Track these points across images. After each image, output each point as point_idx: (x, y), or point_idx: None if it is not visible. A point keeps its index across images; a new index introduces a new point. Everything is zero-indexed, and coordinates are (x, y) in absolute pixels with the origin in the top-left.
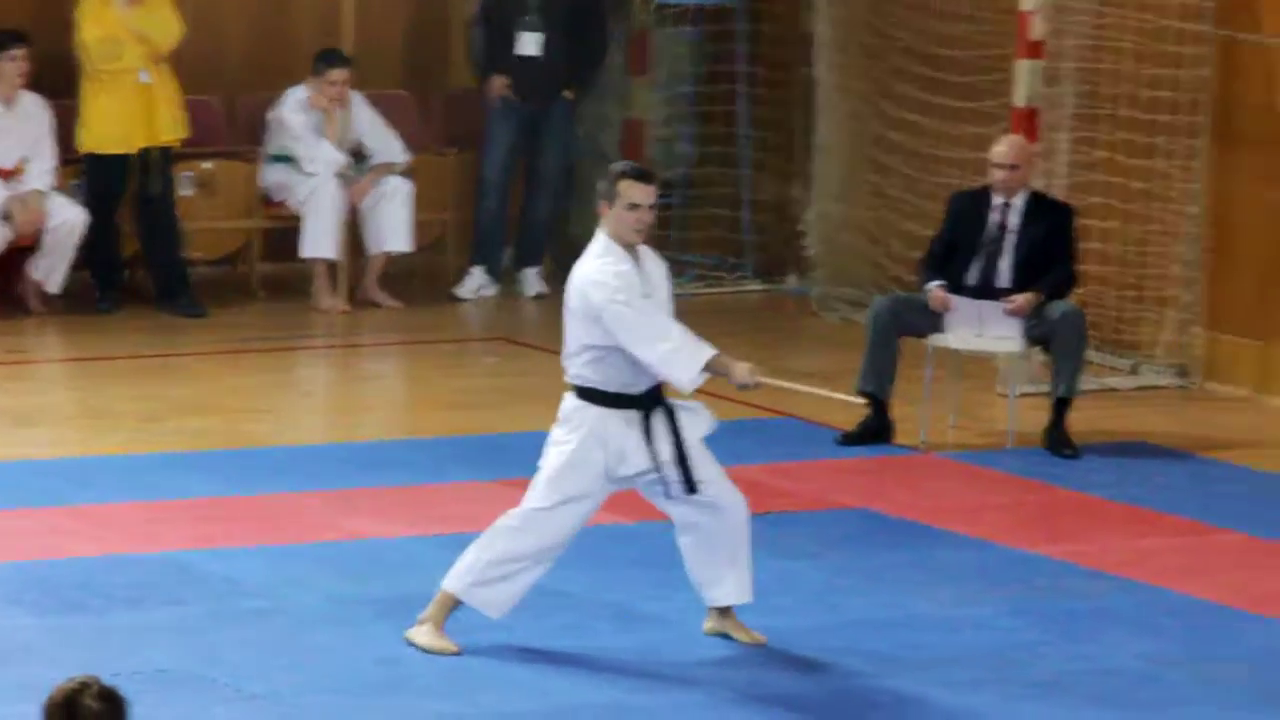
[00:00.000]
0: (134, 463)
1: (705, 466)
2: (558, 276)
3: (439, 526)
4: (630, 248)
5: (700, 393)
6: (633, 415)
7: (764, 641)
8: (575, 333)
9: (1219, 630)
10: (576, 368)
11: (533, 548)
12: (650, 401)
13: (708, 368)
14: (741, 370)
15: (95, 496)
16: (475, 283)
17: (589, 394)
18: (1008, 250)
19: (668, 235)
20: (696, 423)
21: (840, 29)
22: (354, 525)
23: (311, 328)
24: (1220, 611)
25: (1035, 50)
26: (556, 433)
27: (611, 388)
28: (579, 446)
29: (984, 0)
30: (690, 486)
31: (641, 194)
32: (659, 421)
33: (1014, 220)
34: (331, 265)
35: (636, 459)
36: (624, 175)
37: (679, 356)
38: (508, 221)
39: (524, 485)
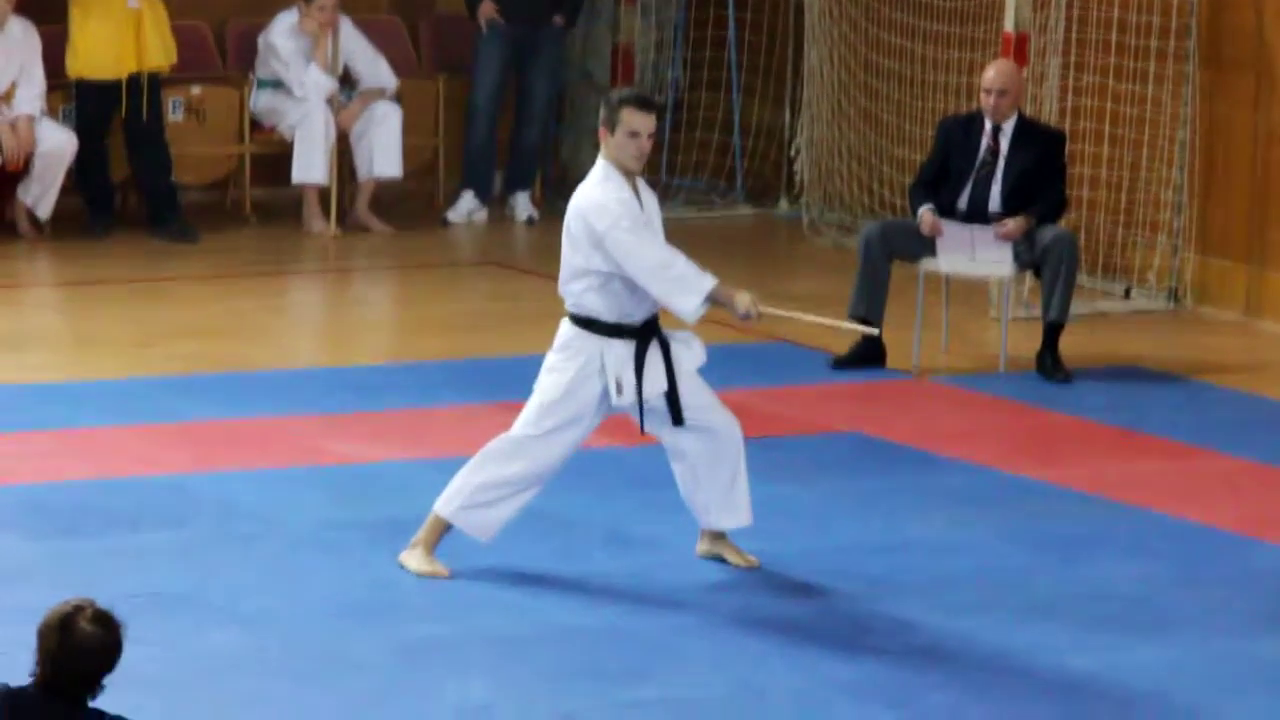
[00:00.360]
0: (127, 387)
1: (697, 394)
2: (548, 201)
3: (431, 450)
4: (629, 175)
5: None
6: (630, 345)
7: (757, 564)
8: (574, 259)
9: (1212, 554)
10: (575, 295)
11: (523, 473)
12: (647, 332)
13: (710, 298)
14: (744, 300)
15: (89, 421)
16: (466, 207)
17: (588, 323)
18: (998, 175)
19: (659, 160)
20: (689, 355)
21: None
22: (347, 449)
23: (303, 252)
24: (1213, 535)
25: None
26: (553, 359)
27: (611, 317)
28: (576, 374)
29: None
30: (678, 418)
31: (642, 122)
32: (654, 353)
33: (1004, 145)
34: (322, 190)
35: (631, 390)
36: (625, 102)
37: (683, 285)
38: (498, 146)
39: (516, 409)
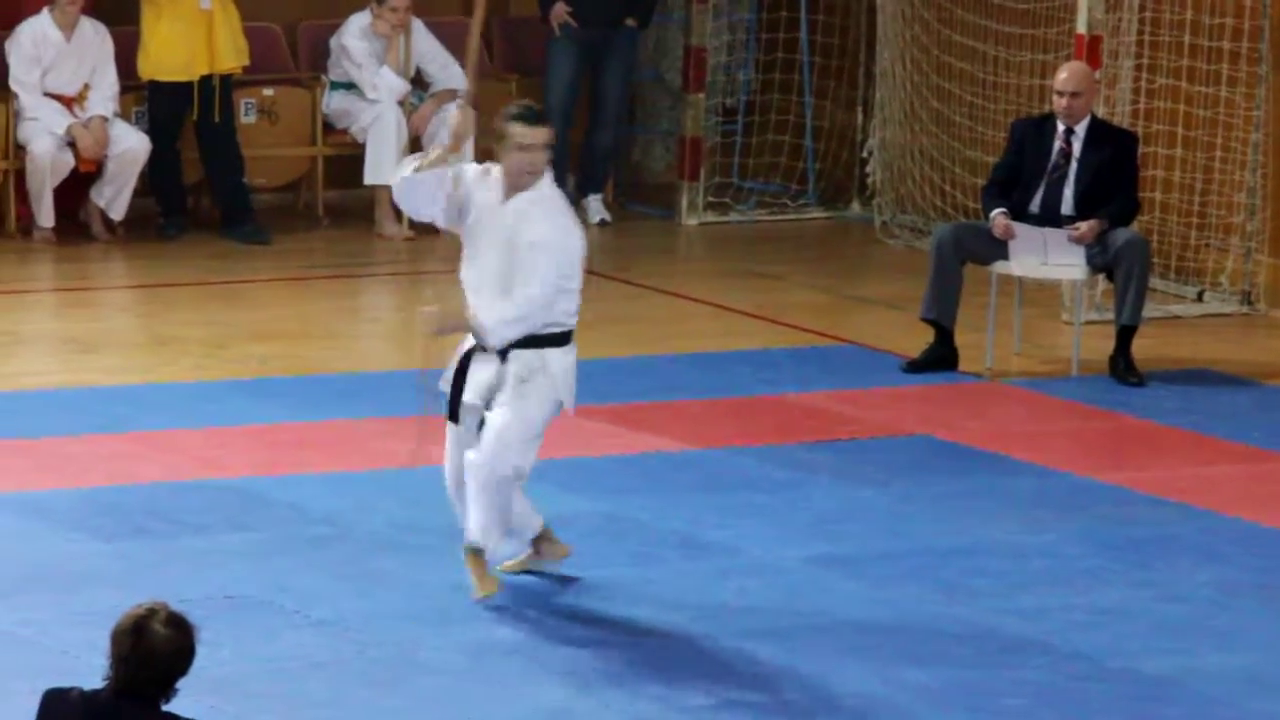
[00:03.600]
0: (199, 389)
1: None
2: (620, 203)
3: None
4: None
5: (756, 318)
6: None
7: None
8: None
9: None
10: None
11: None
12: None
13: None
14: None
15: (161, 423)
16: None
17: None
18: (1071, 178)
19: (730, 162)
20: None
21: None
22: (419, 451)
23: (375, 255)
24: None
25: None
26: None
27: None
28: None
29: None
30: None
31: (532, 136)
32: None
33: (1077, 147)
34: None
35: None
36: (513, 118)
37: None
38: (570, 149)
39: (591, 411)
